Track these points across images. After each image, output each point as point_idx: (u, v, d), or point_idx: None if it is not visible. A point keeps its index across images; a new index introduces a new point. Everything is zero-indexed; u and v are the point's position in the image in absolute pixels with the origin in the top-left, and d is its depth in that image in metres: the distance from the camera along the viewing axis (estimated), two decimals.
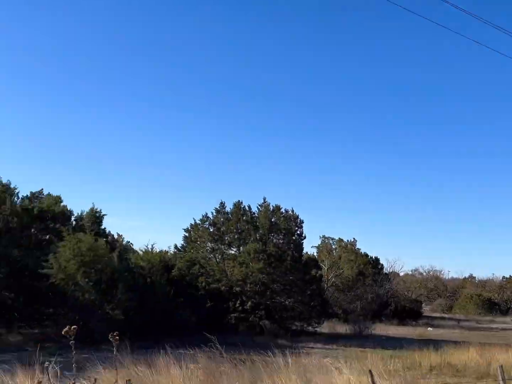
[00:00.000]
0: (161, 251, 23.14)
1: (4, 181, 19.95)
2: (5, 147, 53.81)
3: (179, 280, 21.52)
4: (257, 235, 24.37)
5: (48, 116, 58.57)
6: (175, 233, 67.43)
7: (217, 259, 24.70)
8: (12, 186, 20.08)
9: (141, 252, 22.48)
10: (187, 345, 10.98)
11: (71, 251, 17.36)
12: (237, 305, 22.69)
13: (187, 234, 25.47)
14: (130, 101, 65.56)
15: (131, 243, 25.71)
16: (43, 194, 21.62)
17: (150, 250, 22.19)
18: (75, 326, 4.15)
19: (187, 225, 25.51)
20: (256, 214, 25.17)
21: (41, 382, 3.97)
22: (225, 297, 22.80)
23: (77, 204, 45.30)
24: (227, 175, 65.85)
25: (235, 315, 22.63)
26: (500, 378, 7.46)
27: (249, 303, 22.80)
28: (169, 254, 24.28)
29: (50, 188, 44.97)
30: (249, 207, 25.35)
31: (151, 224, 57.46)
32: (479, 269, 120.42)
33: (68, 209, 21.26)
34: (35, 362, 7.41)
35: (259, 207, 25.37)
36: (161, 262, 21.44)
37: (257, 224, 24.63)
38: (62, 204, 20.69)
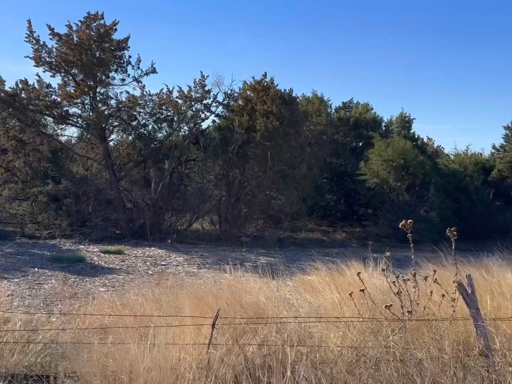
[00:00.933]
0: (474, 154, 21.83)
1: (319, 94, 21.72)
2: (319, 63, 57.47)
3: (498, 182, 20.04)
4: None
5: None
6: (489, 134, 61.19)
7: None
8: (325, 98, 21.72)
9: (451, 156, 21.76)
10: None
11: (380, 156, 18.06)
12: None
13: (507, 132, 22.99)
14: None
15: (442, 147, 24.92)
16: (353, 103, 22.76)
17: (463, 152, 21.20)
18: (411, 220, 4.31)
19: (506, 122, 22.99)
20: None
21: (384, 269, 4.38)
22: None
23: (385, 111, 45.70)
24: None
25: None
26: None
27: None
28: (483, 156, 22.65)
29: (358, 97, 46.68)
30: None
31: (460, 126, 53.61)
32: None
33: (378, 115, 21.89)
34: (360, 256, 8.32)
35: None
36: (476, 165, 20.29)
37: None
38: (372, 111, 21.46)
